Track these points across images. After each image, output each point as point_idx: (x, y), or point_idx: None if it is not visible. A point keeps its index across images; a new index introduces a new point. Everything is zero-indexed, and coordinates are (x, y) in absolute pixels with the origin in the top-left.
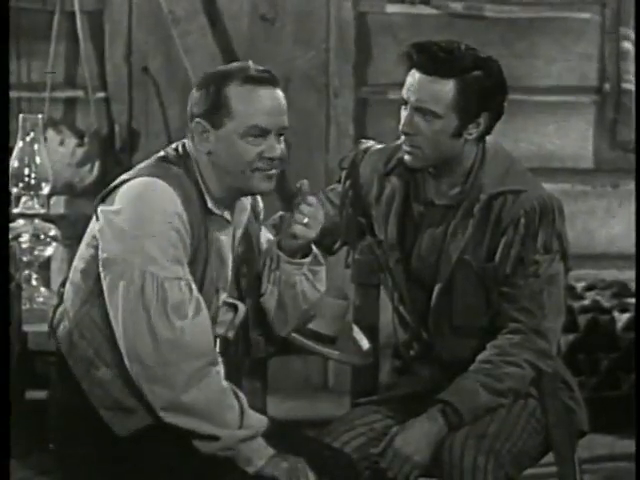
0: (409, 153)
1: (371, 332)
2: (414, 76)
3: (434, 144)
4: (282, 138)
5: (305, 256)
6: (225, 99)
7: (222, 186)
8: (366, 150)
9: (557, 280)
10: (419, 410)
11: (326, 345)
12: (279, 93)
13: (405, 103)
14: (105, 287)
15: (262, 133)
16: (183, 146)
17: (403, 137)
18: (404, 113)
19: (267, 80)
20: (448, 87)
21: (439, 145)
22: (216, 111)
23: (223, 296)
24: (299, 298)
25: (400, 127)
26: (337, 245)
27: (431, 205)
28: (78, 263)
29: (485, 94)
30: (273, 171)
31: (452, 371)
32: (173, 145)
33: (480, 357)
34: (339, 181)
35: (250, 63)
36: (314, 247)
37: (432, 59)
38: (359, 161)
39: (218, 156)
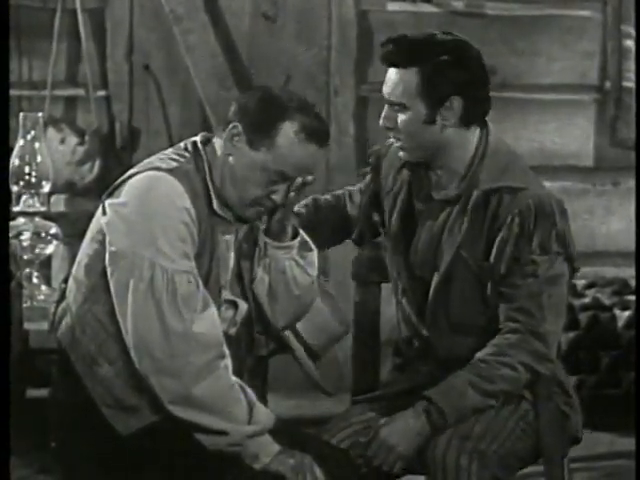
0: (400, 148)
1: (372, 329)
2: (388, 72)
3: (410, 135)
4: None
5: (293, 238)
6: (277, 131)
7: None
8: (390, 145)
9: (559, 282)
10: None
11: (310, 358)
12: (321, 153)
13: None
14: (113, 281)
15: (283, 180)
16: (193, 144)
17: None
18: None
19: (320, 138)
20: (411, 76)
21: (415, 135)
22: (262, 136)
23: (225, 293)
24: (290, 284)
25: (380, 123)
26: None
27: (430, 200)
28: (82, 258)
29: (452, 78)
30: (265, 211)
31: (449, 368)
32: (181, 144)
33: (478, 355)
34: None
35: (313, 106)
36: (303, 232)
37: (398, 51)
38: (382, 156)
39: (235, 165)
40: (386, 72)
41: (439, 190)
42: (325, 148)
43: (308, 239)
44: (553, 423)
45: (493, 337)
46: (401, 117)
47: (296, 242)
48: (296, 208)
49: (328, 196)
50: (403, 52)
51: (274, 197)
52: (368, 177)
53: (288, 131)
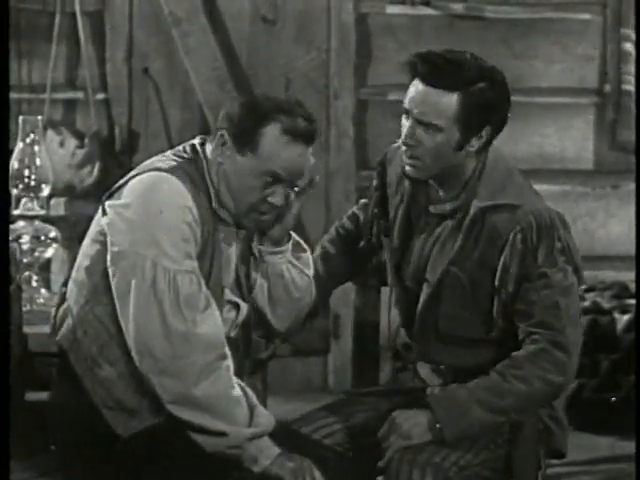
0: (410, 165)
1: (372, 333)
2: (417, 87)
3: (435, 156)
4: (294, 190)
5: (287, 241)
6: (259, 136)
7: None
8: (397, 149)
9: (572, 292)
10: (404, 404)
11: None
12: (310, 151)
13: (407, 112)
14: (115, 282)
15: (275, 181)
16: (192, 146)
17: (404, 148)
18: (406, 123)
19: (306, 138)
20: (452, 100)
21: (440, 157)
22: (246, 141)
23: (227, 293)
24: (290, 287)
25: (402, 139)
26: (362, 243)
27: (427, 213)
28: (82, 260)
29: (488, 107)
30: (266, 217)
31: (441, 373)
32: (180, 147)
33: (498, 366)
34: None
35: (300, 109)
36: (294, 235)
37: (437, 71)
38: (388, 160)
39: (227, 173)
40: (409, 84)
41: (436, 204)
42: (314, 143)
43: (300, 240)
44: (529, 434)
45: (487, 346)
46: (430, 138)
47: (289, 245)
48: (322, 244)
49: (346, 220)
50: (446, 74)
51: (272, 200)
52: (374, 183)
53: (271, 134)
